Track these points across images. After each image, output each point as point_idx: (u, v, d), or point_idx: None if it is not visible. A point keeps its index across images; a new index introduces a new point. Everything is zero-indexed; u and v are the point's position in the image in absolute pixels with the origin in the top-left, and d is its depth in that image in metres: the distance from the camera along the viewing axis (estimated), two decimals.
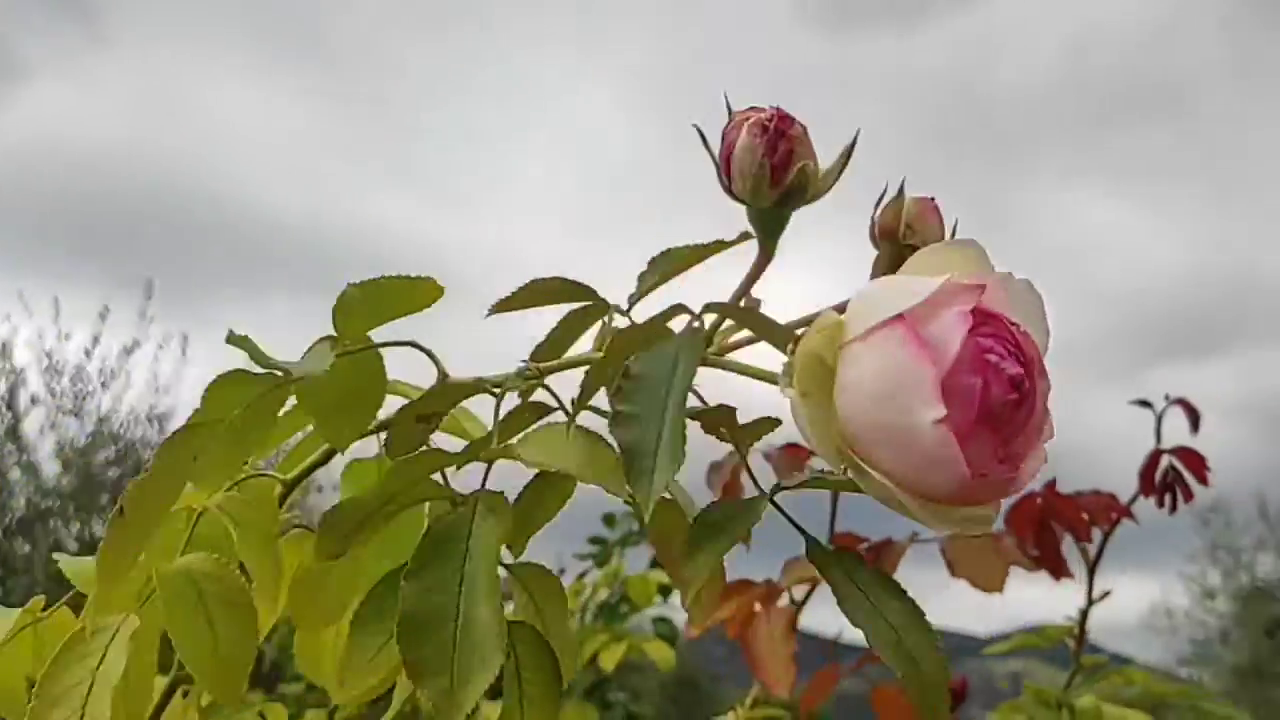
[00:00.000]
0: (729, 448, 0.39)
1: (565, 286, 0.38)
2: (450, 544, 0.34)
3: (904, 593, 0.34)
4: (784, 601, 0.85)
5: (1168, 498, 0.88)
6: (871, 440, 0.30)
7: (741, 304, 0.38)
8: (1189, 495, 0.87)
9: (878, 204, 0.38)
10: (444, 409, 0.41)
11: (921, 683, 0.32)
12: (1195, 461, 0.88)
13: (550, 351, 0.40)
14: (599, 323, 0.40)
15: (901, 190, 0.38)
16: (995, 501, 0.32)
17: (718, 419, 0.37)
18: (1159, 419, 0.89)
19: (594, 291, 0.39)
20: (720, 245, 0.38)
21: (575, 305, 0.39)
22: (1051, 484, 0.85)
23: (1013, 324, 0.31)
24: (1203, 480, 0.88)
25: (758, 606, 0.84)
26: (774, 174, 0.36)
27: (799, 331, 0.33)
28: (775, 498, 0.36)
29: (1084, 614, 0.92)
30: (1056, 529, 0.84)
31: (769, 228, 0.38)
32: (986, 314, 0.30)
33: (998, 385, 0.30)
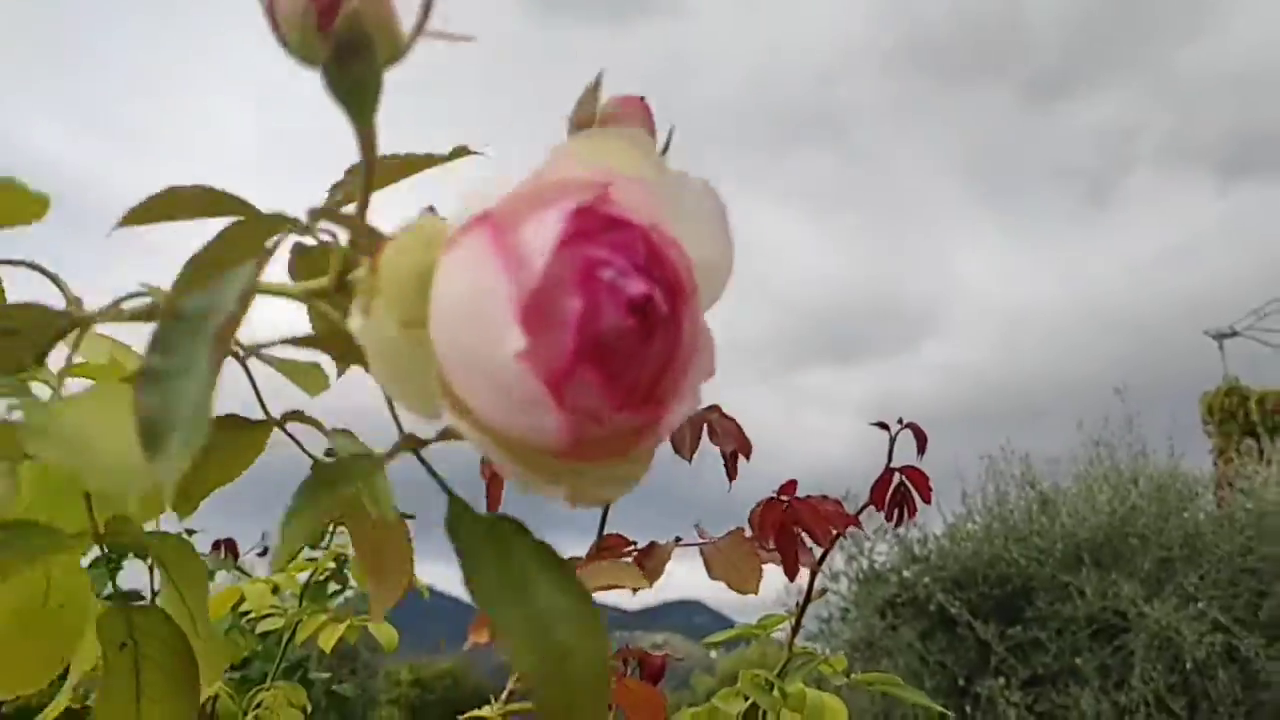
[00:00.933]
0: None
1: (210, 196, 0.32)
2: None
3: (570, 573, 0.26)
4: None
5: (896, 511, 0.92)
6: (465, 379, 0.23)
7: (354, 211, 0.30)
8: (914, 511, 0.91)
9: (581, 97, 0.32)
10: (23, 327, 0.33)
11: (569, 681, 0.25)
12: (921, 480, 0.91)
13: (198, 276, 0.32)
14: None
15: (598, 82, 0.32)
16: (639, 456, 0.25)
17: (339, 344, 0.30)
18: (892, 440, 0.90)
19: (248, 205, 0.32)
20: (430, 159, 0.33)
21: (229, 220, 0.33)
22: (792, 485, 0.85)
23: (650, 230, 0.24)
24: (926, 498, 0.92)
25: None
26: (321, 19, 0.29)
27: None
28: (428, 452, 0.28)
29: (801, 609, 0.95)
30: (797, 533, 0.86)
31: (345, 95, 0.28)
32: (607, 218, 0.23)
33: (611, 309, 0.22)
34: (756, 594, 0.83)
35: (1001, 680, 5.24)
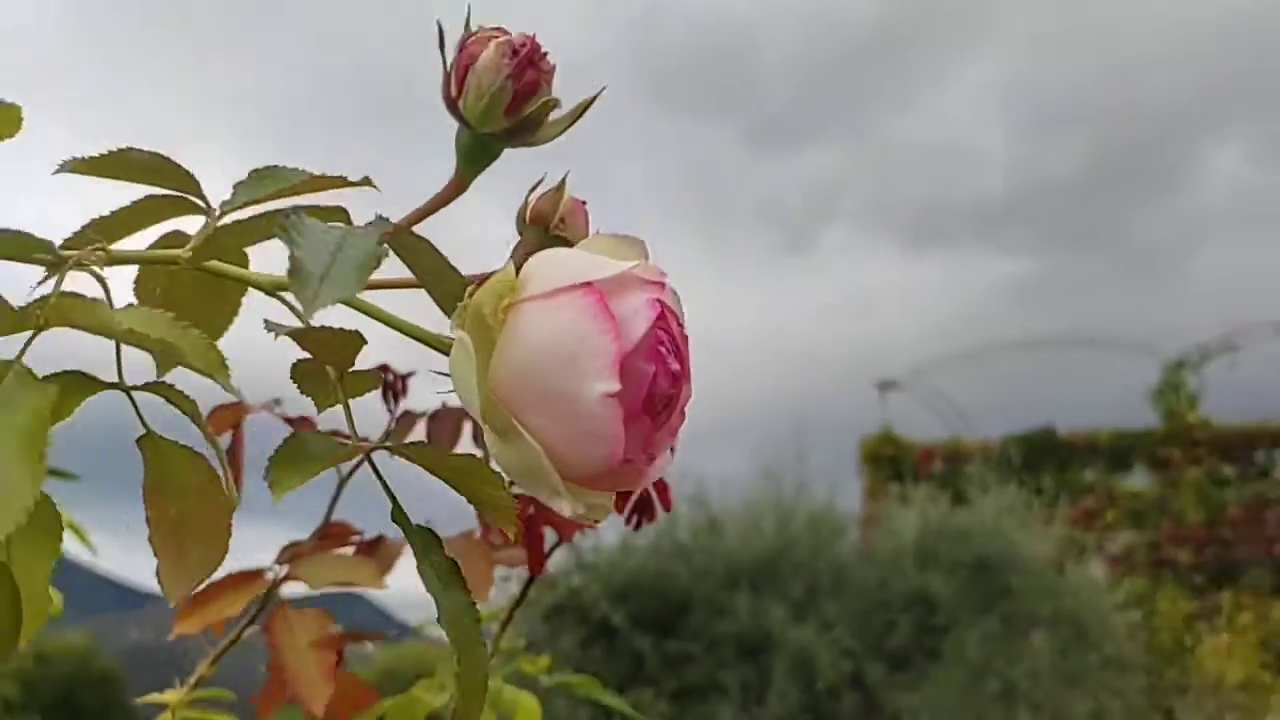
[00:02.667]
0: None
1: (164, 165, 0.33)
2: None
3: (464, 584, 0.33)
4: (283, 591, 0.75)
5: (636, 517, 0.92)
6: (530, 403, 0.29)
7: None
8: (654, 517, 0.92)
9: (532, 189, 0.37)
10: None
11: (481, 664, 0.32)
12: (662, 487, 0.92)
13: (113, 229, 0.34)
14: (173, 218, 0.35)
15: (563, 183, 0.37)
16: (611, 495, 0.32)
17: (327, 344, 0.32)
18: None
19: (196, 183, 0.34)
20: (341, 181, 0.34)
21: (162, 191, 0.34)
22: None
23: (680, 324, 0.32)
24: (666, 506, 0.92)
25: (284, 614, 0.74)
26: (514, 99, 0.34)
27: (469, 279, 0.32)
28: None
29: (515, 604, 0.94)
30: (541, 529, 0.85)
31: (477, 156, 0.35)
32: (665, 307, 0.31)
33: (664, 377, 0.30)
34: (486, 601, 0.83)
35: (651, 691, 5.41)
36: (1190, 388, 8.61)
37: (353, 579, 0.73)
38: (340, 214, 0.34)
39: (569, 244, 0.36)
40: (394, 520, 0.34)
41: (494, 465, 0.32)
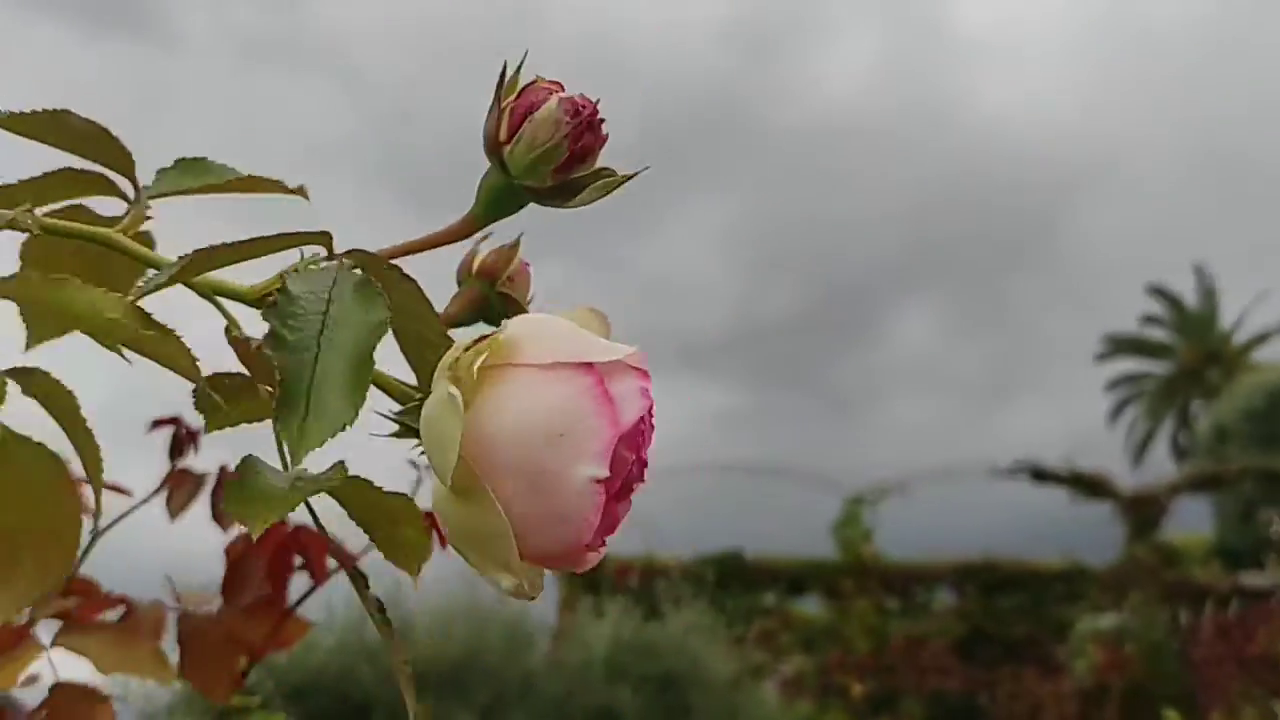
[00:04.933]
0: None
1: (103, 137, 0.32)
2: None
3: None
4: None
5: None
6: (506, 473, 0.28)
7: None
8: (428, 554, 0.91)
9: (478, 242, 0.37)
10: None
11: None
12: (438, 526, 0.92)
13: (18, 197, 0.31)
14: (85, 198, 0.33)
15: (518, 242, 0.37)
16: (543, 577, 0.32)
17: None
18: (416, 483, 0.93)
19: (130, 160, 0.33)
20: (276, 185, 0.34)
21: (87, 165, 0.32)
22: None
23: (652, 415, 0.30)
24: (443, 543, 0.91)
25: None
26: (567, 160, 0.33)
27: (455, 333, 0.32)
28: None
29: (252, 662, 0.91)
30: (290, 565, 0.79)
31: (504, 203, 0.34)
32: (647, 400, 0.30)
33: (638, 465, 0.30)
34: (222, 702, 0.74)
35: None
36: (866, 523, 9.24)
37: (150, 673, 0.63)
38: (324, 239, 0.31)
39: (514, 301, 0.36)
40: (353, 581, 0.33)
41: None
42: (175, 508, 0.79)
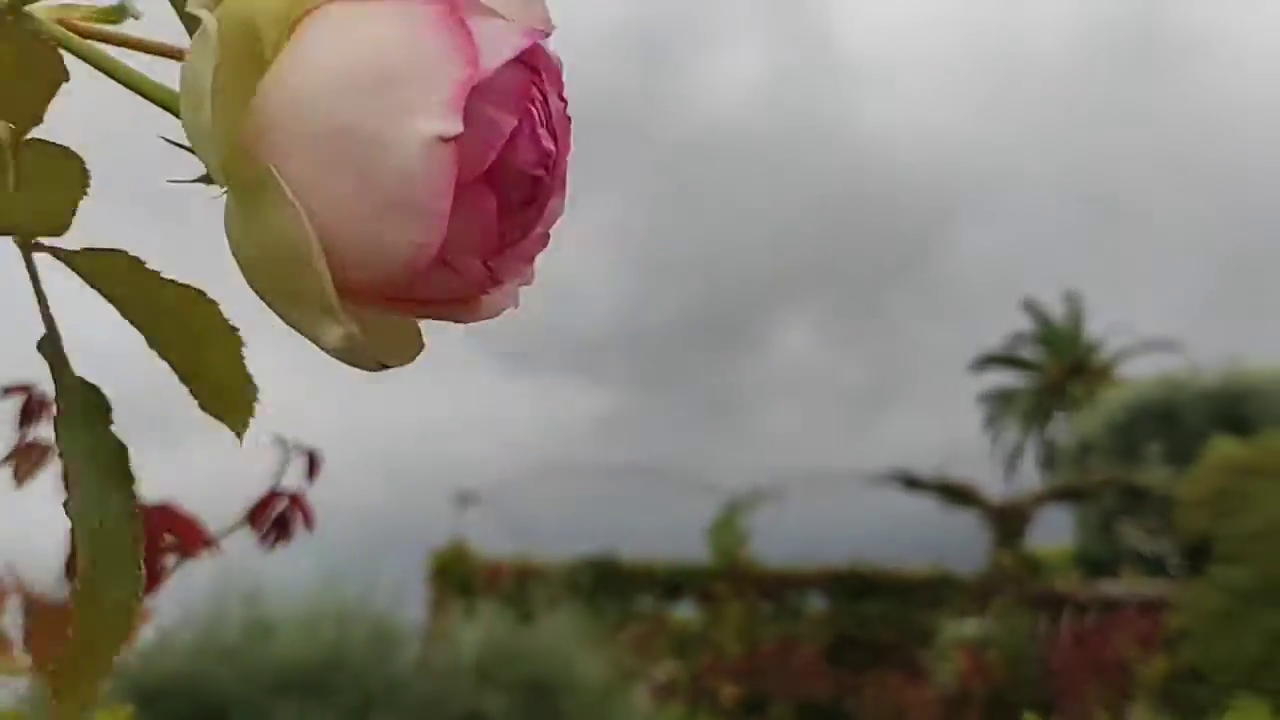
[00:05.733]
0: None
1: None
2: None
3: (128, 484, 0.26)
4: None
5: (273, 534, 0.87)
6: (307, 147, 0.19)
7: None
8: (290, 535, 0.88)
9: None
10: None
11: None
12: (306, 508, 0.90)
13: None
14: None
15: None
16: (418, 332, 0.22)
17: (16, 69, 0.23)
18: (284, 461, 0.88)
19: None
20: None
21: None
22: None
23: (563, 98, 0.22)
24: (310, 525, 0.89)
25: None
26: None
27: None
28: None
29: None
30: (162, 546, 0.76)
31: None
32: (548, 64, 0.21)
33: (528, 145, 0.20)
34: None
35: None
36: (741, 528, 9.34)
37: None
38: None
39: None
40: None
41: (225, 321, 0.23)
42: (21, 476, 0.74)
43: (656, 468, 10.47)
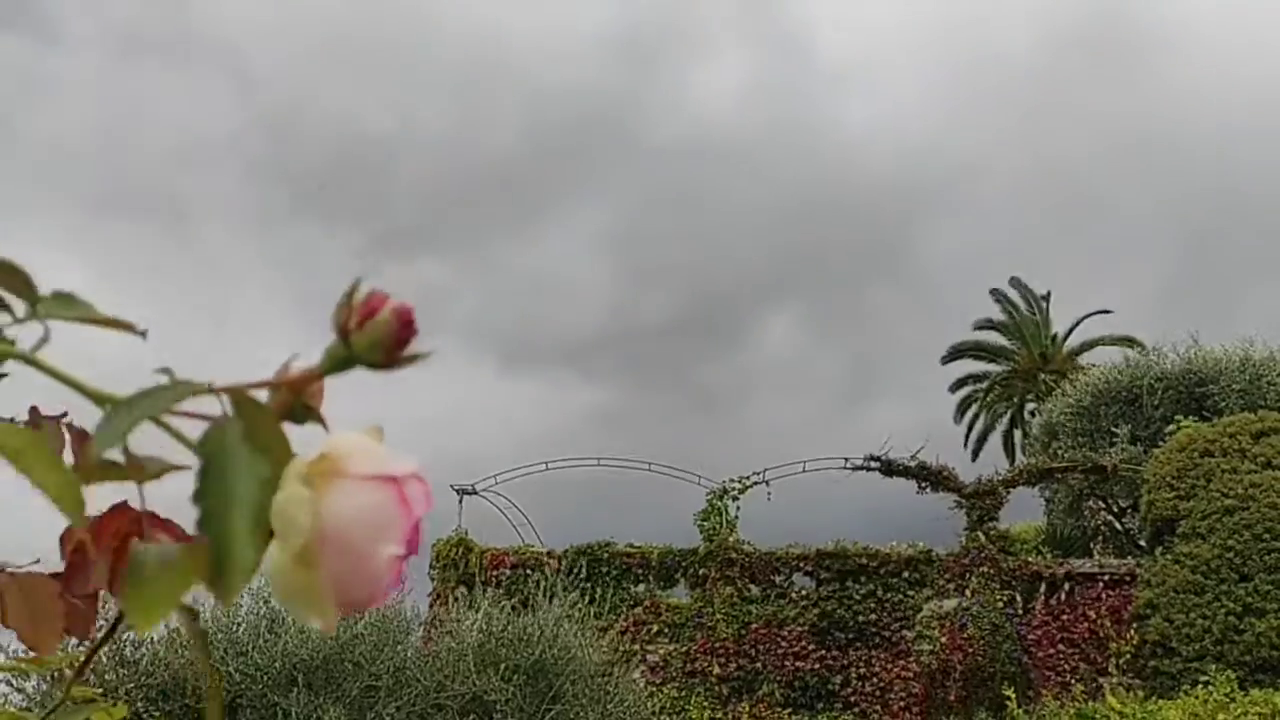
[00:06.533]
0: None
1: (7, 265, 0.40)
2: None
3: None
4: None
5: None
6: (335, 550, 0.40)
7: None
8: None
9: (291, 360, 0.47)
10: None
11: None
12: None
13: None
14: None
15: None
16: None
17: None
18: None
19: (31, 286, 0.42)
20: (123, 323, 0.45)
21: None
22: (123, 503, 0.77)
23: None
24: None
25: None
26: (393, 347, 0.46)
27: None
28: None
29: (96, 646, 0.90)
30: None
31: (341, 367, 0.46)
32: (425, 499, 0.43)
33: (415, 541, 0.42)
34: (54, 651, 0.75)
35: None
36: (730, 514, 9.50)
37: None
38: (204, 388, 0.43)
39: (312, 411, 0.46)
40: None
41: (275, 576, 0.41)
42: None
43: (648, 460, 10.59)
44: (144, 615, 0.41)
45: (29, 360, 0.43)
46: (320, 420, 0.46)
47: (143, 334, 0.46)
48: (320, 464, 0.41)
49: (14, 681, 5.30)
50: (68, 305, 0.44)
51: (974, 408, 20.18)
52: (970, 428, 20.11)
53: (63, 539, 0.70)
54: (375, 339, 0.45)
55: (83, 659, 0.81)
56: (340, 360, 0.46)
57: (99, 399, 0.42)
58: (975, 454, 19.47)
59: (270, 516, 0.40)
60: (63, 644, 0.77)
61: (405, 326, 0.45)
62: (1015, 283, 20.12)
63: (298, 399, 0.46)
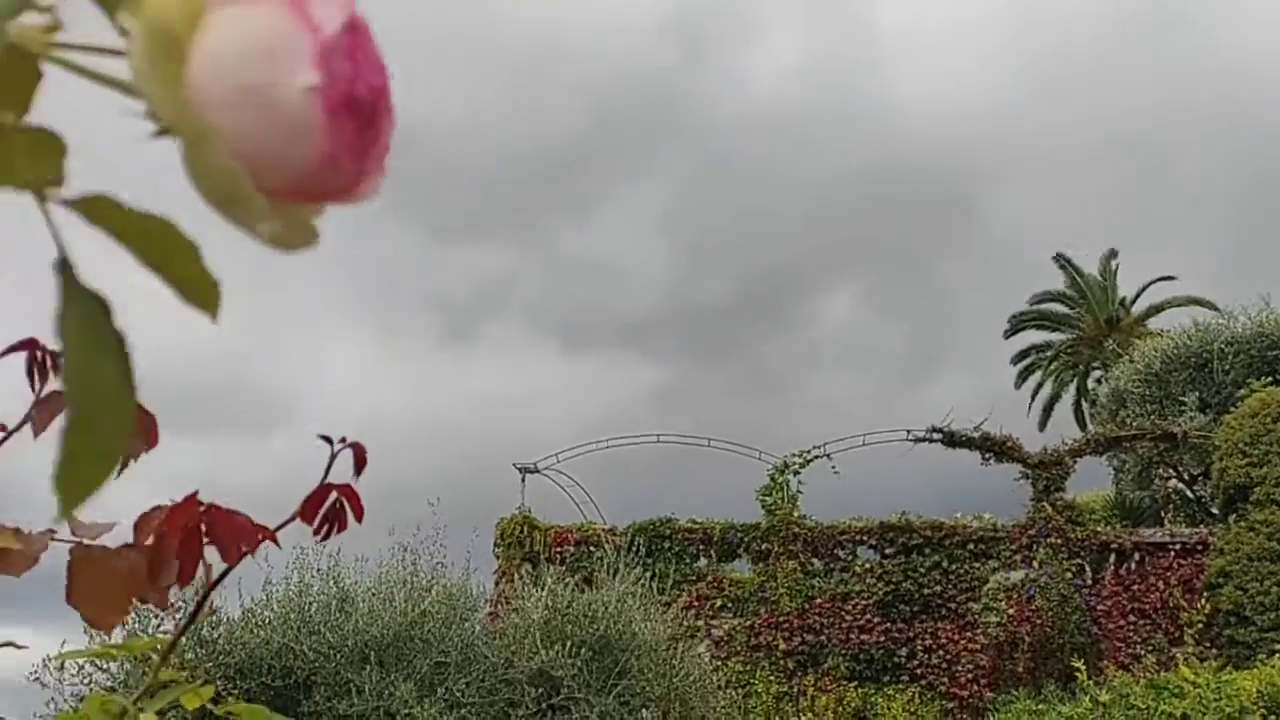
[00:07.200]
0: None
1: None
2: None
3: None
4: None
5: (327, 527, 0.90)
6: (226, 105, 0.29)
7: None
8: (344, 526, 0.89)
9: None
10: None
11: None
12: (355, 498, 0.92)
13: None
14: None
15: None
16: (318, 212, 0.32)
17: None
18: (332, 457, 0.86)
19: None
20: None
21: None
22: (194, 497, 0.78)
23: (378, 53, 0.31)
24: (359, 516, 0.87)
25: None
26: None
27: None
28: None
29: (181, 630, 0.90)
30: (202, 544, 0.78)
31: None
32: (361, 23, 0.31)
33: (364, 82, 0.30)
34: (120, 626, 0.76)
35: None
36: (792, 489, 9.51)
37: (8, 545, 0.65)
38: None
39: None
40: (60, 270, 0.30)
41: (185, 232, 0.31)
42: (40, 427, 0.75)
43: (710, 436, 10.62)
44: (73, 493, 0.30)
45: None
46: None
47: None
48: (179, 12, 0.30)
49: (98, 662, 5.47)
50: None
51: (1038, 376, 19.91)
52: (1034, 397, 19.85)
53: (138, 524, 0.74)
54: None
55: (169, 643, 0.83)
56: None
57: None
58: (1042, 424, 19.22)
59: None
60: (130, 623, 0.79)
61: None
62: (1079, 249, 19.80)
63: None
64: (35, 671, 6.12)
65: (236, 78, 0.29)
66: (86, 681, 6.42)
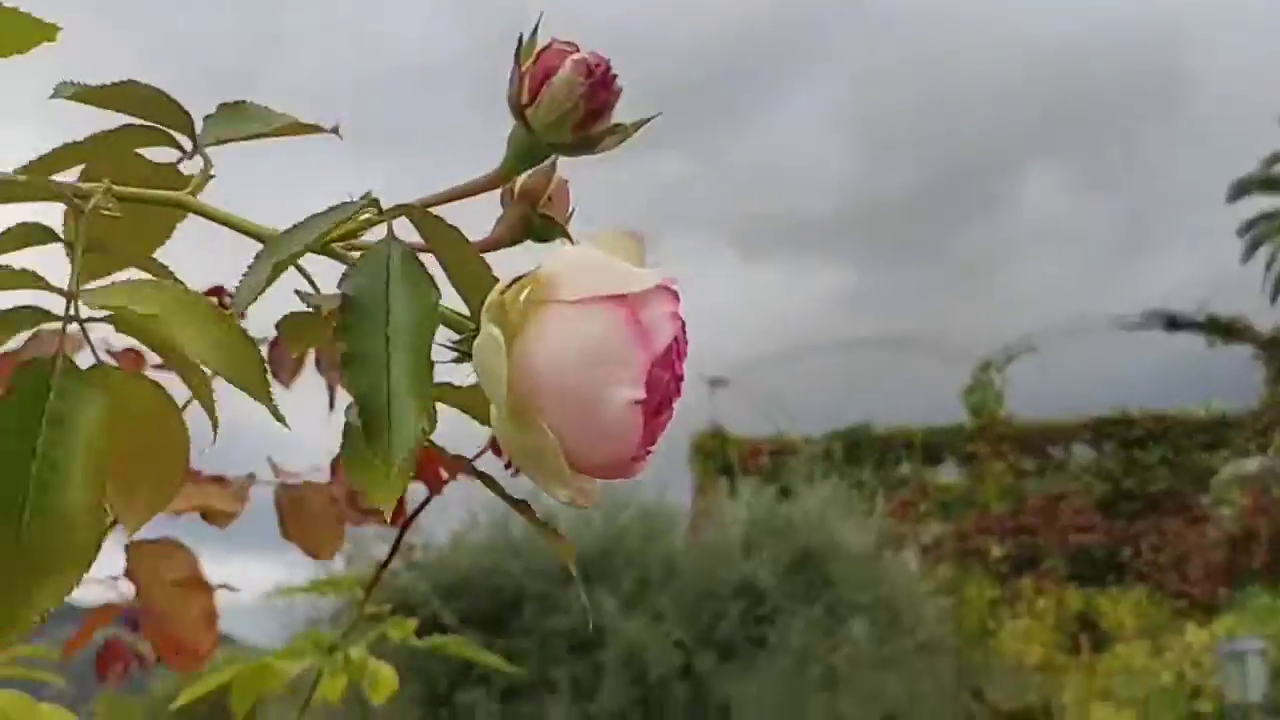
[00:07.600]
0: None
1: (163, 100, 0.34)
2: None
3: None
4: None
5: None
6: (553, 400, 0.31)
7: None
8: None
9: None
10: None
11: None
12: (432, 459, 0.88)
13: (76, 156, 0.33)
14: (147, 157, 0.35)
15: (554, 163, 0.38)
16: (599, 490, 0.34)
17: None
18: None
19: (188, 118, 0.35)
20: (312, 128, 0.37)
21: (148, 123, 0.34)
22: None
23: (685, 330, 0.33)
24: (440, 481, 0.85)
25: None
26: (585, 118, 0.36)
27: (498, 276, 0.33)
28: None
29: (383, 565, 0.93)
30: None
31: (530, 158, 0.37)
32: (680, 323, 0.33)
33: (674, 382, 0.32)
34: (332, 558, 0.79)
35: (482, 690, 5.37)
36: (997, 387, 9.15)
37: (210, 504, 0.67)
38: (372, 205, 0.33)
39: (553, 222, 0.38)
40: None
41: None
42: (285, 380, 0.79)
43: (905, 337, 10.32)
44: (385, 492, 0.31)
45: (186, 206, 0.34)
46: (565, 233, 0.38)
47: (338, 133, 0.38)
48: (524, 289, 0.32)
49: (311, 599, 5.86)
50: (242, 119, 0.36)
51: (1268, 247, 18.43)
52: (1268, 269, 18.41)
53: (334, 463, 0.77)
54: (557, 112, 0.35)
55: (372, 577, 0.90)
56: (526, 149, 0.36)
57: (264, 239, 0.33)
58: (1274, 297, 17.83)
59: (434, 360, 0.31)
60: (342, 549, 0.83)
61: (598, 86, 0.35)
62: None
63: (532, 209, 0.37)
64: (269, 596, 6.53)
65: (570, 379, 0.31)
66: (315, 608, 6.86)
